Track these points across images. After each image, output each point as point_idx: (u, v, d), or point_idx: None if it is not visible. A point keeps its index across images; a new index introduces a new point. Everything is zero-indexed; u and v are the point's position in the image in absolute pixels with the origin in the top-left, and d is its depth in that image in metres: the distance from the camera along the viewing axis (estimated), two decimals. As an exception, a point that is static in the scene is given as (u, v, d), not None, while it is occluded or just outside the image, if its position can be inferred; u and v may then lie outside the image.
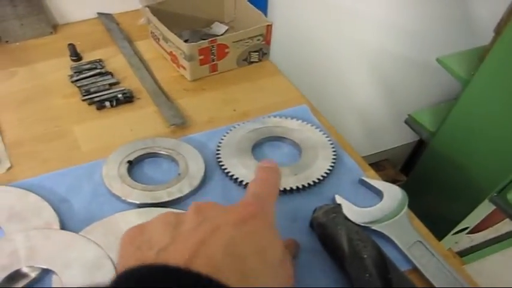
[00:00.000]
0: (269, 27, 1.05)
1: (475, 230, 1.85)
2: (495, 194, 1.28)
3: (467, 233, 1.83)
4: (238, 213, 0.49)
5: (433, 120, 1.43)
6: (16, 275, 0.67)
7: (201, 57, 1.00)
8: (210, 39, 0.99)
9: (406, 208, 0.75)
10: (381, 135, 2.13)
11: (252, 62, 1.09)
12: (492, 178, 1.25)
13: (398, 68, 1.82)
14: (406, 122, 1.48)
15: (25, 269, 0.67)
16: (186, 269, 0.40)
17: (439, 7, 1.64)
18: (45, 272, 0.68)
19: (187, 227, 0.48)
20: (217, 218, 0.48)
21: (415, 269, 0.69)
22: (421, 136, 1.46)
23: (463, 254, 1.98)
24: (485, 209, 1.38)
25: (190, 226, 0.48)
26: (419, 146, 2.21)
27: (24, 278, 0.67)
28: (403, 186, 0.77)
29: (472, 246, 2.01)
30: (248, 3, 1.12)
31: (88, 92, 0.99)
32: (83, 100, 0.99)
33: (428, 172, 1.53)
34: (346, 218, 0.72)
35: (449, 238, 1.57)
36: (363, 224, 0.73)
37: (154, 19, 1.05)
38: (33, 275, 0.67)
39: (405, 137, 2.16)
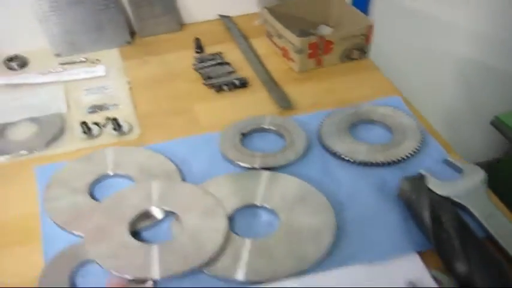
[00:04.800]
0: (371, 28, 1.09)
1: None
2: None
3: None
4: None
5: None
6: (146, 214, 0.75)
7: (310, 51, 1.06)
8: (319, 35, 1.05)
9: (484, 183, 0.78)
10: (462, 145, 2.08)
11: (353, 59, 1.13)
12: None
13: (485, 76, 1.80)
14: (492, 123, 1.46)
15: (153, 210, 0.75)
16: None
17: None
18: (168, 217, 0.76)
19: None
20: None
21: (490, 238, 0.71)
22: (507, 137, 1.44)
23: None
24: None
25: None
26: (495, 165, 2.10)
27: (150, 217, 0.75)
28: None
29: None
30: (353, 7, 1.18)
31: (209, 78, 1.07)
32: (204, 84, 1.07)
33: (504, 172, 1.52)
34: (428, 188, 0.75)
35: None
36: (444, 195, 0.76)
37: (271, 18, 1.13)
38: (159, 216, 0.75)
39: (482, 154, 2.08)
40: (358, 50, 1.12)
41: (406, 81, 1.31)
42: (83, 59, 1.17)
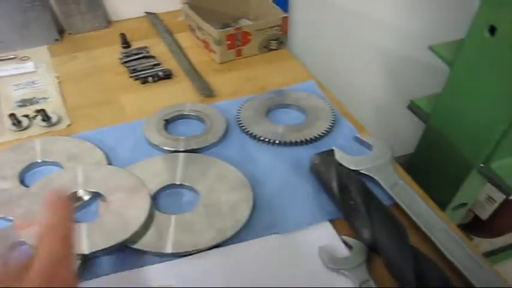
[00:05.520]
0: (285, 19, 1.14)
1: (495, 233, 1.83)
2: (481, 165, 1.33)
3: (488, 238, 1.83)
4: None
5: (430, 104, 1.49)
6: (73, 196, 0.77)
7: (228, 42, 1.10)
8: (235, 27, 1.09)
9: (390, 156, 0.83)
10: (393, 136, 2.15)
11: (271, 50, 1.18)
12: (478, 150, 1.31)
13: (407, 67, 1.87)
14: (408, 107, 1.54)
15: (80, 192, 0.77)
16: None
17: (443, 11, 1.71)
18: (95, 198, 0.79)
19: None
20: None
21: (397, 205, 0.76)
22: (420, 118, 1.51)
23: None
24: (475, 181, 1.42)
25: None
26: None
27: (78, 199, 0.77)
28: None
29: (492, 250, 1.94)
30: (270, 1, 1.22)
31: (135, 71, 1.10)
32: (130, 77, 1.09)
33: (425, 152, 1.59)
34: (338, 162, 0.80)
35: (451, 214, 1.59)
36: (352, 168, 0.80)
37: (191, 13, 1.16)
38: (86, 197, 0.77)
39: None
40: (275, 40, 1.16)
41: (329, 70, 1.37)
42: (12, 56, 1.18)
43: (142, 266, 0.69)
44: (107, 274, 0.68)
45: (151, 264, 0.69)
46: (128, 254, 0.71)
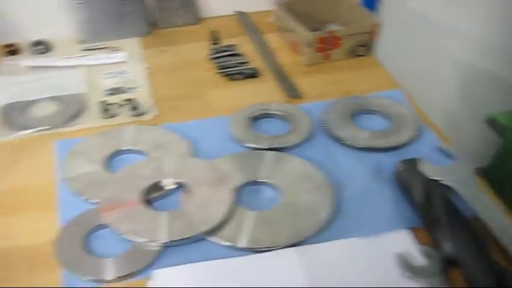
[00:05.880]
0: (376, 26, 1.13)
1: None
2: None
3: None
4: None
5: (509, 118, 1.44)
6: (157, 185, 0.79)
7: (318, 45, 1.10)
8: (327, 31, 1.09)
9: (472, 169, 0.81)
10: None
11: (359, 55, 1.17)
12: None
13: (482, 79, 1.82)
14: (486, 121, 1.49)
15: (164, 181, 0.78)
16: None
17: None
18: (178, 188, 0.80)
19: None
20: None
21: (477, 218, 0.73)
22: (497, 132, 1.46)
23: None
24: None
25: None
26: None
27: (162, 188, 0.79)
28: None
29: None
30: (361, 6, 1.21)
31: (223, 67, 1.11)
32: (218, 73, 1.10)
33: (501, 166, 1.54)
34: (422, 172, 0.79)
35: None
36: (436, 178, 0.79)
37: (283, 13, 1.17)
38: (169, 186, 0.79)
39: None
40: (363, 46, 1.16)
41: (409, 79, 1.34)
42: (104, 46, 1.21)
43: (217, 258, 0.69)
44: (184, 263, 0.69)
45: (227, 257, 0.70)
46: (204, 245, 0.71)
